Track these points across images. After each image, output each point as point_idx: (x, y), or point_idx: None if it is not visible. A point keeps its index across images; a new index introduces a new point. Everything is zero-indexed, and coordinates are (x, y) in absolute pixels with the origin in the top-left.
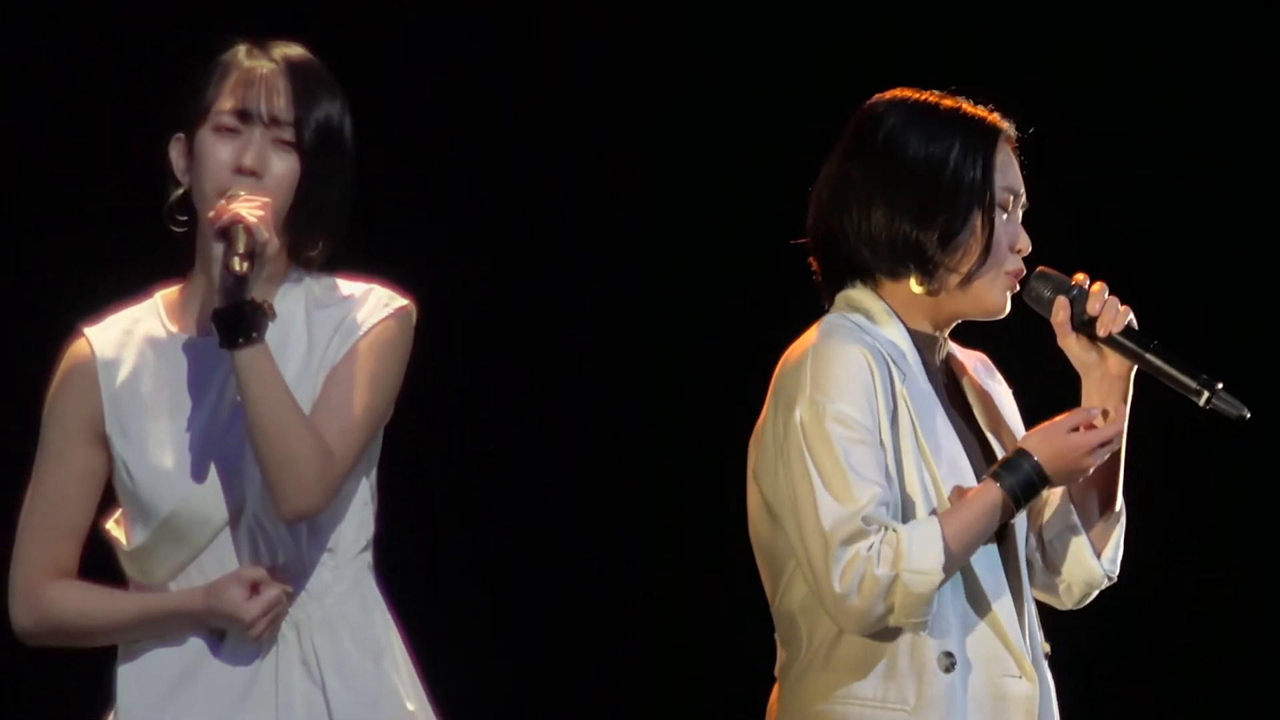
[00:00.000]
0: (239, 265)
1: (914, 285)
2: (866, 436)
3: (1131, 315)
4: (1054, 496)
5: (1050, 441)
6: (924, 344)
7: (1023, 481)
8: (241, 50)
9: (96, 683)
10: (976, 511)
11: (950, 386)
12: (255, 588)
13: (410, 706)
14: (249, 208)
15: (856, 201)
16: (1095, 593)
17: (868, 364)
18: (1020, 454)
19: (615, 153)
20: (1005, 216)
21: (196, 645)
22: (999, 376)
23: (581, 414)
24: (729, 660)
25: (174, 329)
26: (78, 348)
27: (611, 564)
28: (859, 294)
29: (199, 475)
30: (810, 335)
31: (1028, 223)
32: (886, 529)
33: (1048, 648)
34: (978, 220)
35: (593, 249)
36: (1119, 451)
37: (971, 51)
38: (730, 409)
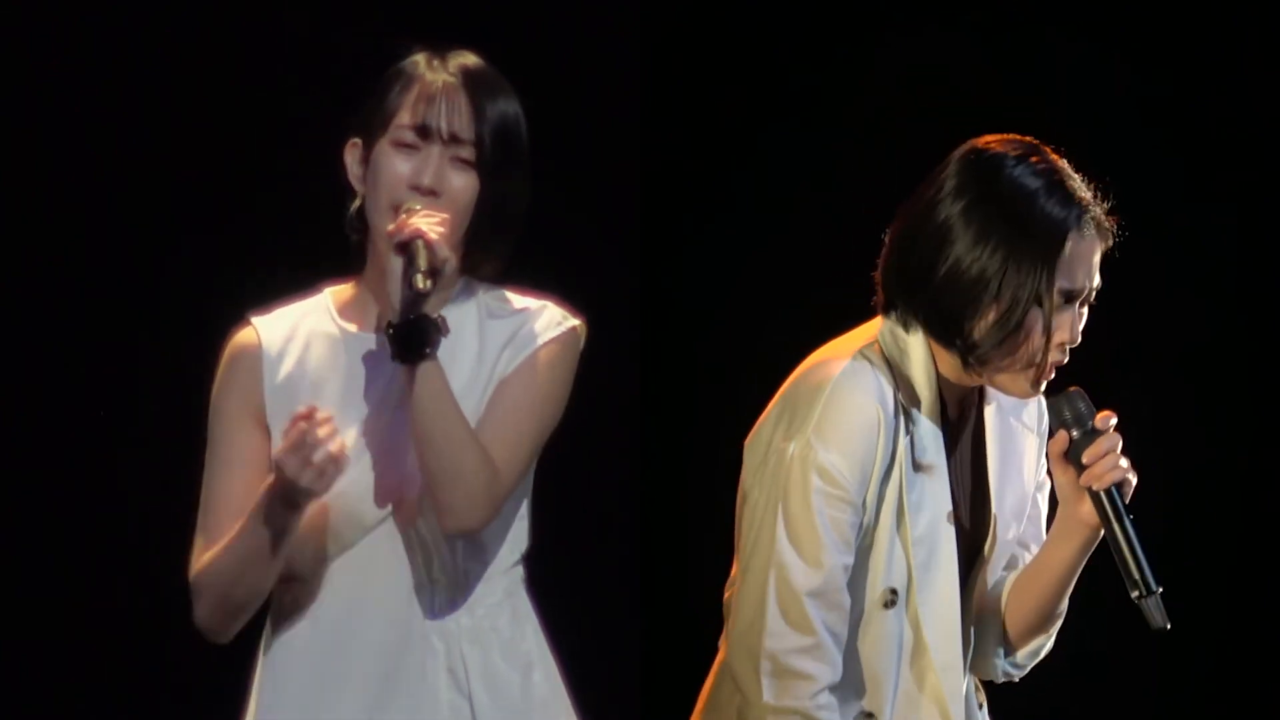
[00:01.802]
0: (422, 282)
1: (947, 358)
2: (844, 495)
3: (1131, 479)
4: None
5: None
6: (949, 388)
7: None
8: (422, 61)
9: (238, 684)
10: None
11: (974, 423)
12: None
13: None
14: (430, 223)
15: (927, 251)
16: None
17: (878, 420)
18: None
19: (615, 153)
20: (1054, 312)
21: (339, 648)
22: (1037, 414)
23: (581, 414)
24: None
25: (345, 325)
26: (244, 336)
27: (611, 563)
28: (905, 333)
29: (356, 472)
30: (840, 355)
31: None
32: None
33: (982, 698)
34: (1018, 318)
35: (593, 249)
36: (1071, 572)
37: (973, 51)
38: (730, 409)
